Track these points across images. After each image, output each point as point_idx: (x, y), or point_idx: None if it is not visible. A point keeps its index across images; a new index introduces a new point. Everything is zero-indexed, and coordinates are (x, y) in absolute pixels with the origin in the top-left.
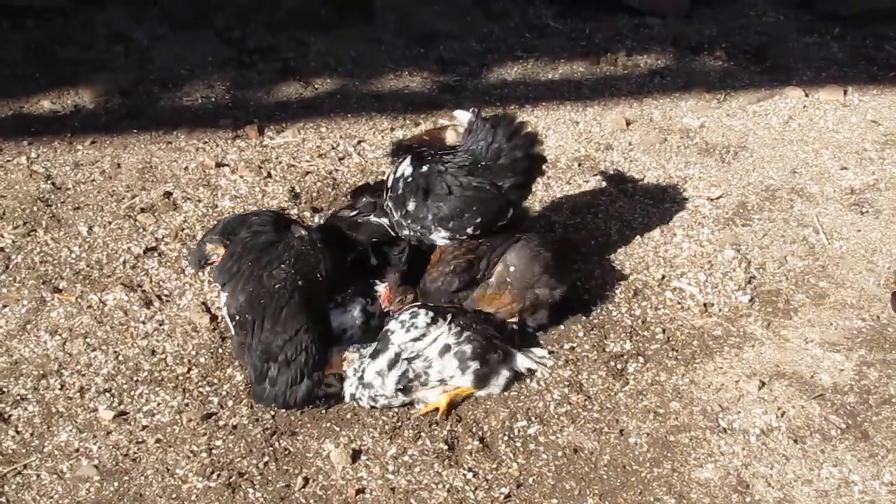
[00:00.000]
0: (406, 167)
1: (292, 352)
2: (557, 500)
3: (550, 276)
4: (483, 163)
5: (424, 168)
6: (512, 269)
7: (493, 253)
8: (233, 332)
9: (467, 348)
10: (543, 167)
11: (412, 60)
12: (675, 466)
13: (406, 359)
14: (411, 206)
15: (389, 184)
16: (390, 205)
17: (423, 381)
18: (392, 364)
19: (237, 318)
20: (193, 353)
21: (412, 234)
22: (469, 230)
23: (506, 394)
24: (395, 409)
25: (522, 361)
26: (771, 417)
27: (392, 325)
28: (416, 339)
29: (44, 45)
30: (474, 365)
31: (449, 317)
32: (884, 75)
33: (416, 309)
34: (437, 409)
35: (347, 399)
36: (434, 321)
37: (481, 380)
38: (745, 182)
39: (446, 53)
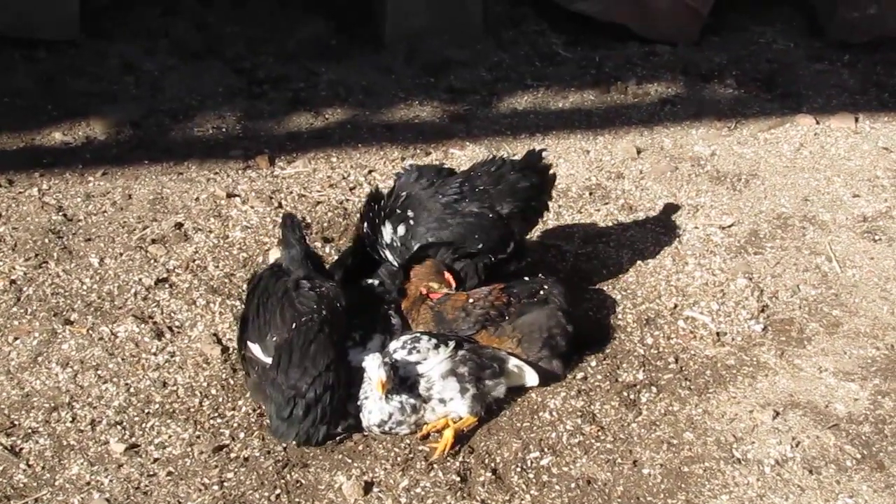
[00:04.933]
0: (389, 234)
1: (321, 389)
2: None
3: (559, 360)
4: (481, 187)
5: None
6: (524, 341)
7: (517, 317)
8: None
9: (465, 369)
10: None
11: (422, 90)
12: (689, 498)
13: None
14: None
15: (387, 242)
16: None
17: (424, 400)
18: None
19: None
20: (205, 384)
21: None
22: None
23: (518, 424)
24: (408, 441)
25: (515, 361)
26: (785, 448)
27: (393, 345)
28: (417, 363)
29: (55, 77)
30: (472, 389)
31: (451, 344)
32: (895, 103)
33: (417, 334)
34: (443, 443)
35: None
36: (436, 347)
37: (480, 401)
38: (757, 210)
39: (456, 82)
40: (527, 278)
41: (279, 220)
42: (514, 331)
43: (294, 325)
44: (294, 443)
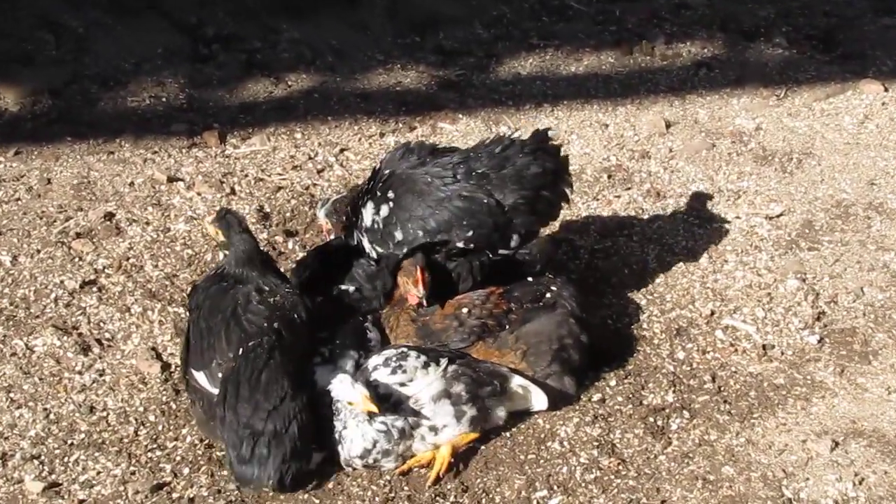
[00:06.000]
0: (370, 214)
1: (281, 422)
2: None
3: (571, 377)
4: (480, 170)
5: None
6: (530, 354)
7: (520, 325)
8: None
9: (460, 388)
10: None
11: (406, 51)
12: None
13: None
14: (399, 235)
15: (367, 224)
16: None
17: (412, 426)
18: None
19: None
20: (141, 409)
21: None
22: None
23: (521, 456)
24: (387, 479)
25: (519, 381)
26: (847, 486)
27: (373, 360)
28: (402, 384)
29: None
30: (470, 411)
31: (443, 361)
32: None
33: (404, 349)
34: (439, 462)
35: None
36: (426, 366)
37: (479, 422)
38: (812, 196)
39: (447, 42)
40: (530, 279)
41: (231, 209)
42: (518, 342)
43: (241, 351)
44: (268, 488)
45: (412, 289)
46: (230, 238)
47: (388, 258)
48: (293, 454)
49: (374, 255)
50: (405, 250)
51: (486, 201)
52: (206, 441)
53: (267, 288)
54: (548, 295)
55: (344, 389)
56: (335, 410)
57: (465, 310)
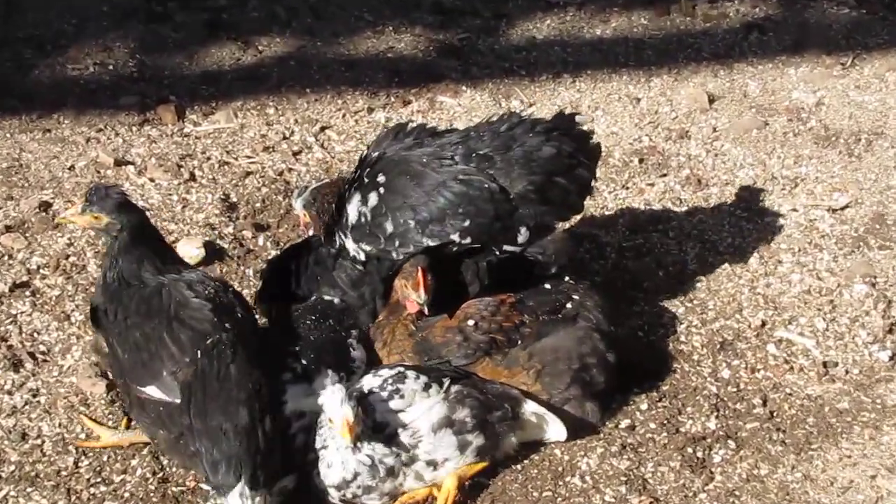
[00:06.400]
0: (356, 208)
1: (254, 415)
2: None
3: (594, 402)
4: (482, 151)
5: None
6: (545, 374)
7: (534, 340)
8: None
9: (464, 413)
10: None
11: (399, 10)
12: None
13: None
14: (390, 226)
15: (353, 221)
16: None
17: (405, 463)
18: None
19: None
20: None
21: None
22: (454, 236)
23: (535, 493)
24: None
25: (533, 407)
26: None
27: (368, 382)
28: (398, 411)
29: None
30: (477, 440)
31: (446, 382)
32: None
33: (401, 370)
34: (443, 496)
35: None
36: (426, 388)
37: (488, 452)
38: (884, 185)
39: (448, 0)
40: (547, 285)
41: (189, 198)
42: (531, 359)
43: (199, 353)
44: (242, 489)
45: (412, 293)
46: (115, 214)
47: (378, 259)
48: (267, 449)
49: (360, 257)
50: (397, 244)
51: (485, 186)
52: (161, 475)
53: (195, 280)
54: (568, 305)
55: (332, 403)
56: (320, 423)
57: (470, 322)
